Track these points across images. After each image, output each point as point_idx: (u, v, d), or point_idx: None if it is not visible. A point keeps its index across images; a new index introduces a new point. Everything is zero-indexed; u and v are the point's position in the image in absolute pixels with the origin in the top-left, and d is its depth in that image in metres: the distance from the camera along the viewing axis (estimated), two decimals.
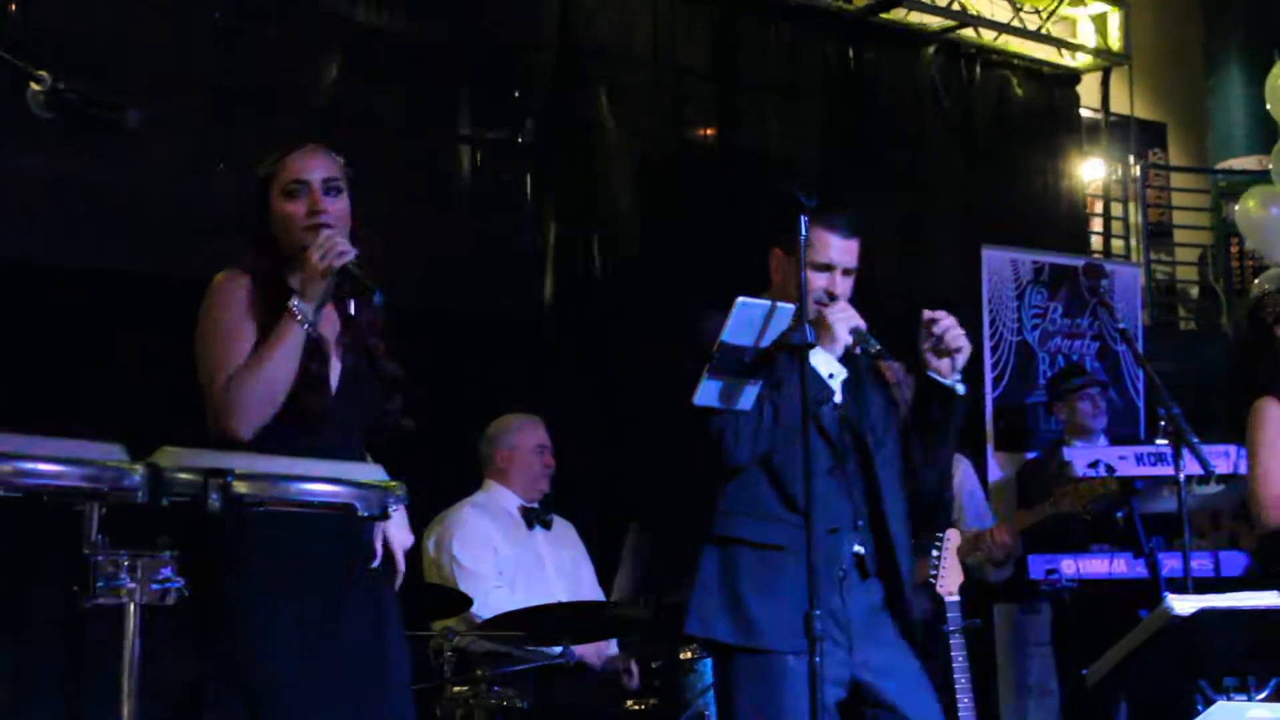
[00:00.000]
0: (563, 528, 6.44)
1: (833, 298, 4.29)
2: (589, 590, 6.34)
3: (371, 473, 2.72)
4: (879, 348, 4.21)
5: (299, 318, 3.59)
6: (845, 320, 4.22)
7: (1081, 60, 11.38)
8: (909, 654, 4.34)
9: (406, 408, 3.88)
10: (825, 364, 4.22)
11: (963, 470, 7.33)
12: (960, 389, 4.33)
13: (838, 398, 4.33)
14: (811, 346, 3.97)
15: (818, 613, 3.80)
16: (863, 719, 4.24)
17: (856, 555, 4.31)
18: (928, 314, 4.31)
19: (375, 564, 3.78)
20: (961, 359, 4.30)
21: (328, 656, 3.56)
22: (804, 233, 4.04)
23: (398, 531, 3.85)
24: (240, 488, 2.54)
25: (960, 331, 4.29)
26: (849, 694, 4.22)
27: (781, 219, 4.20)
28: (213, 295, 3.72)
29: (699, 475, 4.32)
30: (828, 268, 4.30)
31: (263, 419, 3.57)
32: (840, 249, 4.32)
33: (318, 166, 3.76)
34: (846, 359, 4.30)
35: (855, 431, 4.37)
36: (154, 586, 2.52)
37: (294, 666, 3.53)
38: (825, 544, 4.11)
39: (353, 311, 3.84)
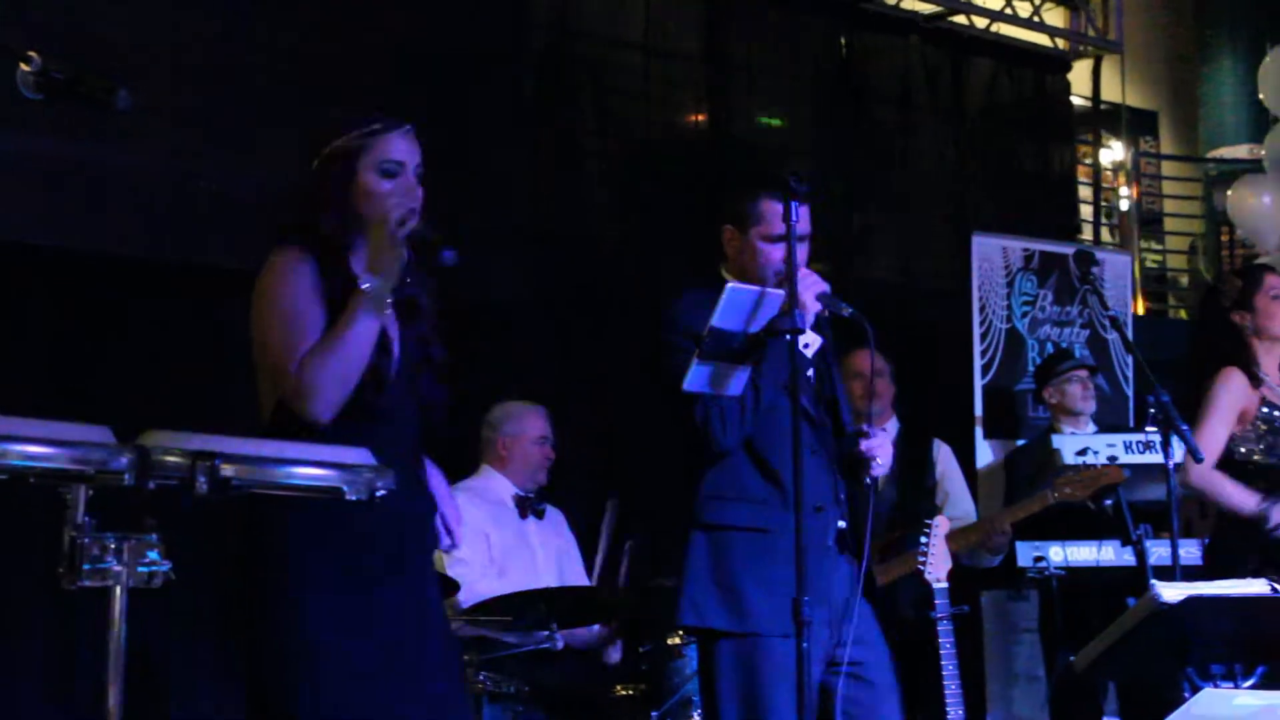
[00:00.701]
0: (555, 517, 6.43)
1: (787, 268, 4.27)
2: (576, 579, 6.33)
3: (359, 455, 2.71)
4: (850, 310, 4.21)
5: (373, 297, 3.50)
6: (811, 288, 4.21)
7: (1073, 48, 11.38)
8: (868, 610, 4.34)
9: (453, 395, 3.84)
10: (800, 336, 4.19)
11: (944, 457, 7.33)
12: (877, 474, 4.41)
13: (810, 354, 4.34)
14: (801, 331, 3.98)
15: (807, 599, 3.80)
16: (832, 690, 4.23)
17: (839, 531, 4.32)
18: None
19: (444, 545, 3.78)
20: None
21: (381, 648, 3.53)
22: (795, 217, 4.04)
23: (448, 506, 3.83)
24: (228, 470, 2.53)
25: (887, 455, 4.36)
26: (825, 668, 4.23)
27: (730, 195, 4.21)
28: (273, 275, 3.60)
29: (683, 461, 4.31)
30: (782, 238, 4.21)
31: (341, 400, 3.48)
32: (796, 216, 4.26)
33: (416, 152, 3.72)
34: (817, 326, 4.31)
35: (830, 400, 4.40)
36: (141, 569, 2.51)
37: (346, 659, 3.48)
38: (813, 522, 4.13)
39: (408, 290, 3.75)
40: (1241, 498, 5.75)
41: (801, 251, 4.25)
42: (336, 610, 3.47)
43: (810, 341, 4.27)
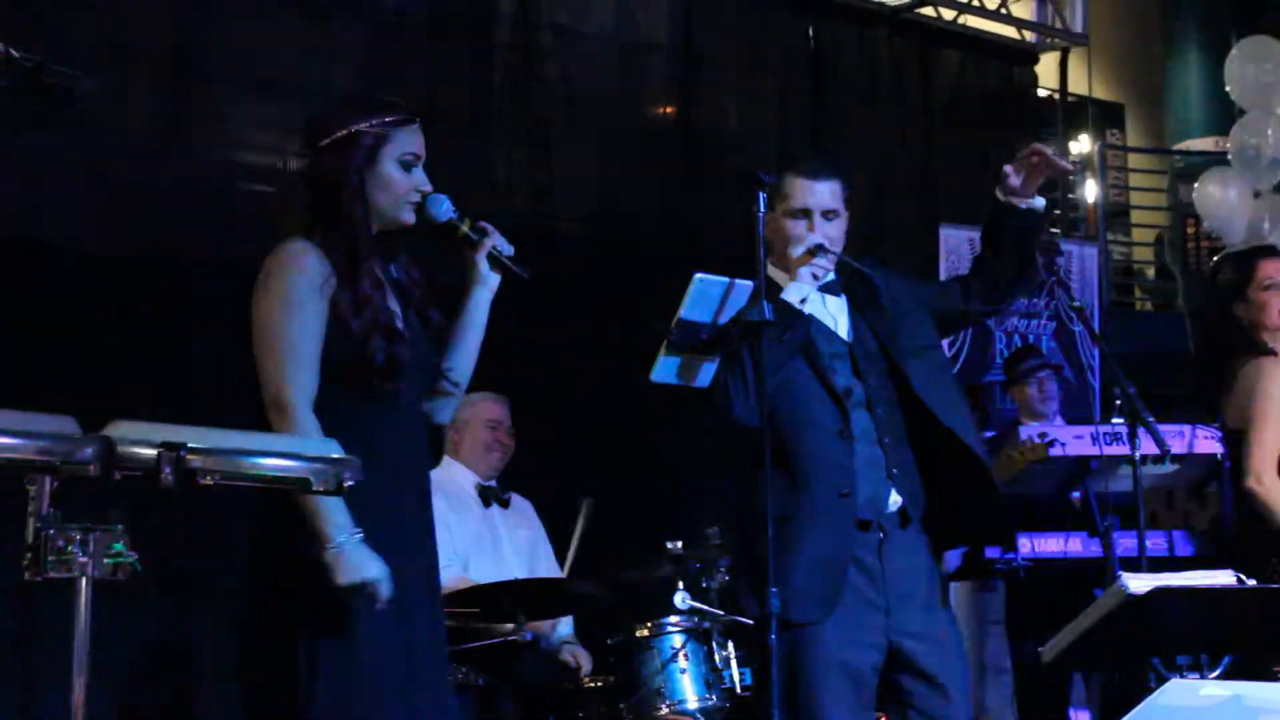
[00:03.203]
0: (521, 506, 6.42)
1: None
2: (546, 569, 6.32)
3: (325, 446, 2.70)
4: (837, 255, 4.24)
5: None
6: (802, 242, 4.24)
7: (1040, 40, 11.41)
8: (949, 619, 4.33)
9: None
10: (795, 292, 4.19)
11: None
12: (1040, 203, 4.44)
13: (845, 331, 4.32)
14: (768, 324, 3.97)
15: (783, 587, 3.80)
16: (896, 685, 4.20)
17: (898, 509, 4.25)
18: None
19: None
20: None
21: (405, 656, 3.57)
22: (763, 209, 4.05)
23: None
24: (194, 461, 2.51)
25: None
26: (885, 658, 4.17)
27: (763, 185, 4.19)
28: (280, 274, 3.59)
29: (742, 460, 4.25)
30: (804, 213, 4.28)
31: None
32: (812, 191, 4.30)
33: (424, 146, 3.77)
34: (850, 287, 4.33)
35: (887, 360, 4.33)
36: (107, 560, 2.49)
37: (382, 667, 3.51)
38: (835, 508, 4.13)
39: (394, 273, 3.79)
40: None
41: (827, 226, 4.30)
42: (362, 612, 3.48)
43: (809, 297, 4.22)
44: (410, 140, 3.73)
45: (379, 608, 3.44)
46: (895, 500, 4.23)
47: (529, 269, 3.89)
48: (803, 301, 4.20)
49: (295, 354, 3.52)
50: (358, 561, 3.41)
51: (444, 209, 3.79)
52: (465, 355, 3.90)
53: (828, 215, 4.31)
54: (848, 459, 4.20)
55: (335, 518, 3.39)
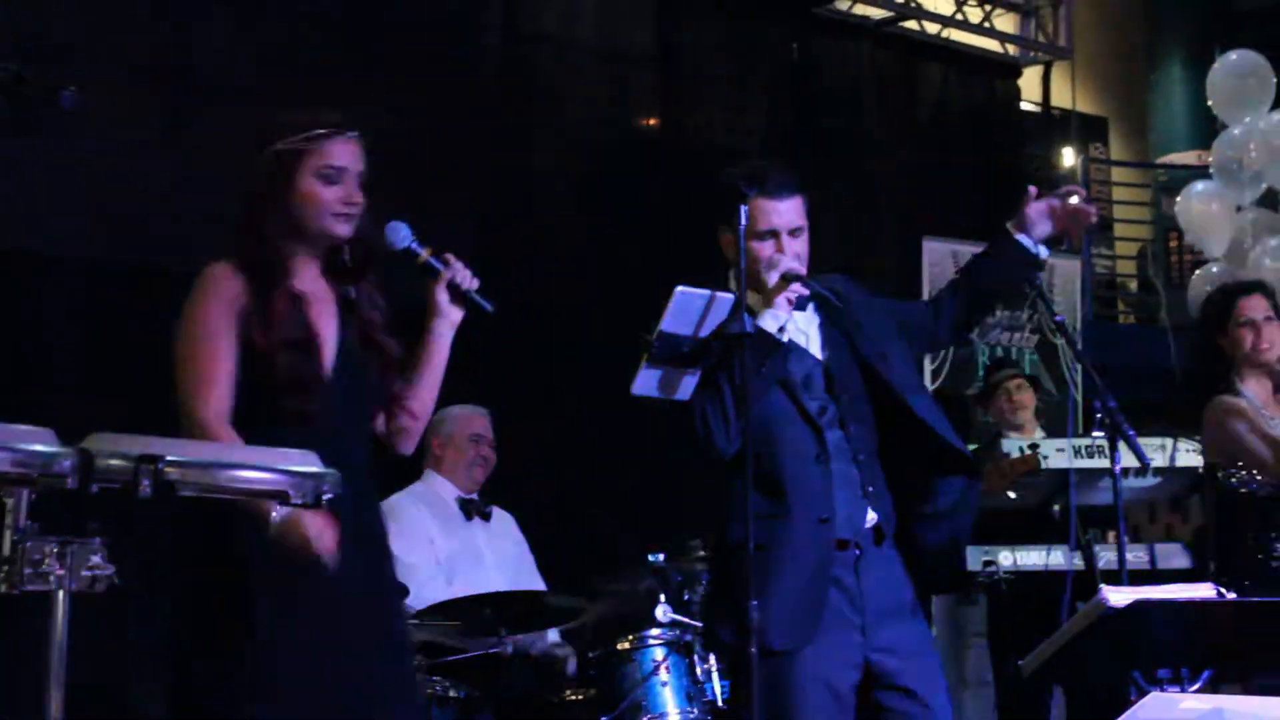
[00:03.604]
0: (502, 519, 6.41)
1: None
2: (528, 583, 6.31)
3: (304, 459, 2.69)
4: (801, 277, 4.20)
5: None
6: (775, 268, 4.19)
7: (1024, 54, 11.44)
8: (925, 633, 4.31)
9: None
10: (772, 320, 4.14)
11: None
12: (1044, 253, 4.48)
13: (818, 351, 4.30)
14: (749, 336, 3.96)
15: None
16: (876, 703, 4.16)
17: (873, 526, 4.22)
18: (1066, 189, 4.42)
19: None
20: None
21: (332, 648, 3.55)
22: (744, 221, 4.04)
23: None
24: (172, 474, 2.51)
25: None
26: (863, 676, 4.15)
27: (718, 201, 4.17)
28: (196, 296, 3.64)
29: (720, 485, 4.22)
30: (771, 234, 4.23)
31: None
32: (778, 211, 4.25)
33: (358, 159, 3.73)
34: (824, 308, 4.29)
35: (859, 369, 4.31)
36: (85, 573, 2.49)
37: (300, 663, 3.50)
38: (815, 535, 4.12)
39: (354, 294, 3.79)
40: None
41: (795, 244, 4.26)
42: (289, 613, 3.49)
43: (785, 324, 4.17)
44: (333, 152, 3.69)
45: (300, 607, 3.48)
46: (871, 517, 4.22)
47: (493, 303, 3.87)
48: (780, 330, 4.16)
49: (206, 373, 3.55)
50: (300, 520, 3.36)
51: (401, 236, 3.79)
52: (425, 388, 3.89)
53: (794, 233, 4.27)
54: (825, 483, 4.18)
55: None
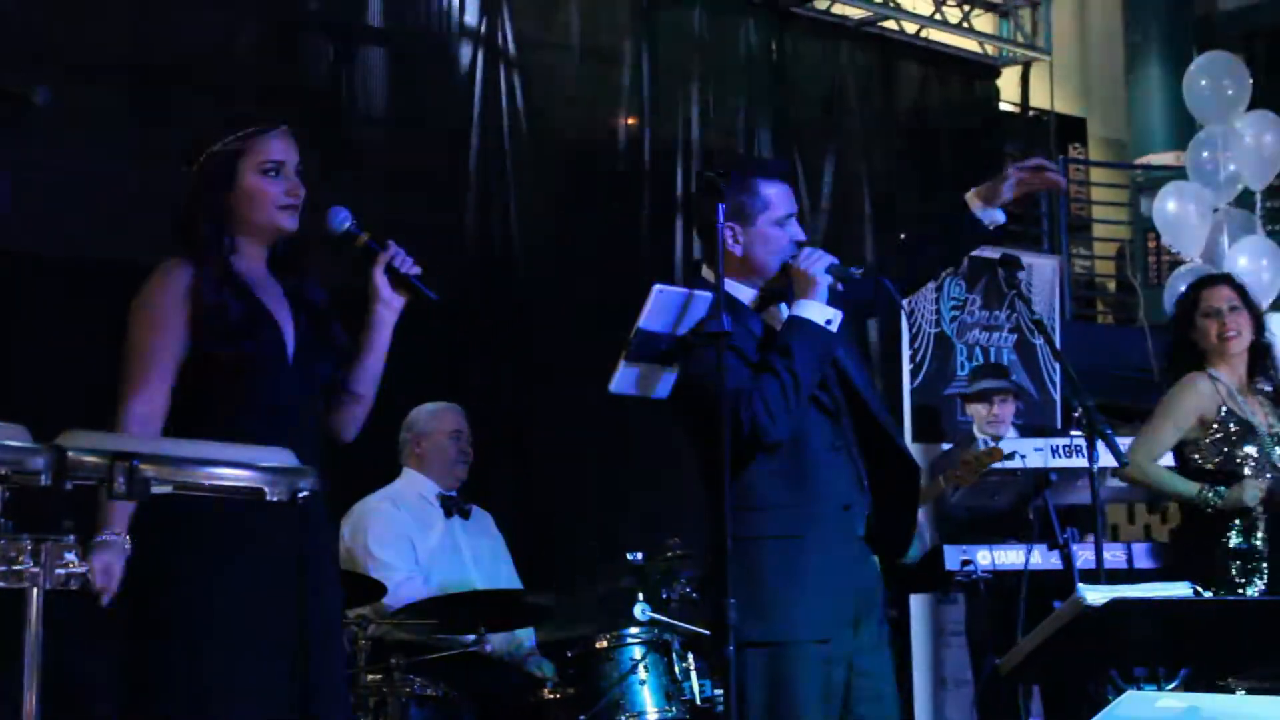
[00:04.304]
0: (481, 517, 6.41)
1: (800, 247, 4.24)
2: (506, 580, 6.31)
3: (281, 456, 2.68)
4: (859, 271, 4.22)
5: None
6: (819, 262, 4.16)
7: (1002, 54, 11.46)
8: (885, 628, 4.31)
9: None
10: (819, 313, 4.14)
11: None
12: (1002, 217, 4.43)
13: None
14: (728, 335, 3.93)
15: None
16: (847, 688, 4.16)
17: (866, 521, 4.24)
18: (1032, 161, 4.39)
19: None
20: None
21: (270, 647, 3.57)
22: (721, 219, 4.03)
23: None
24: (147, 471, 2.50)
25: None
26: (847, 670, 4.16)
27: (713, 196, 4.13)
28: (146, 289, 3.72)
29: (705, 474, 4.14)
30: (789, 218, 4.24)
31: None
32: (791, 195, 4.27)
33: (294, 151, 3.80)
34: (833, 300, 4.23)
35: (845, 377, 4.29)
36: (59, 571, 2.48)
37: (234, 661, 3.53)
38: (841, 522, 4.14)
39: (296, 284, 3.84)
40: (1182, 484, 5.83)
41: (797, 229, 4.27)
42: (225, 611, 3.54)
43: (831, 318, 4.16)
44: (270, 147, 3.76)
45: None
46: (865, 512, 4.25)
47: (437, 292, 3.86)
48: (828, 322, 4.15)
49: (137, 374, 3.63)
50: (106, 561, 3.43)
51: (339, 219, 3.84)
52: (367, 375, 3.90)
53: (799, 218, 4.30)
54: (843, 473, 4.20)
55: (120, 512, 3.47)
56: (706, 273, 4.21)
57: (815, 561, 4.05)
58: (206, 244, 3.70)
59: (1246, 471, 5.75)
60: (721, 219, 4.03)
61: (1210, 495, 5.74)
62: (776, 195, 4.24)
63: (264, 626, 3.57)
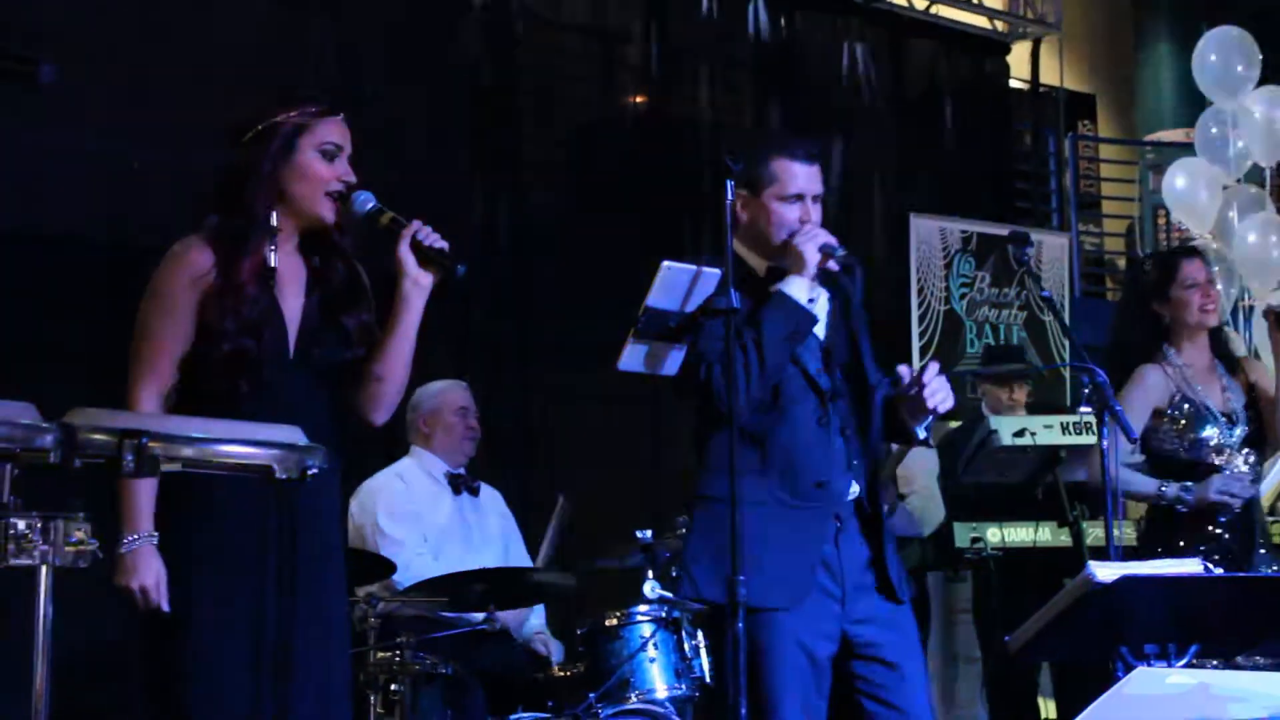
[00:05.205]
0: (490, 495, 6.41)
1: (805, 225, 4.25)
2: (517, 558, 6.31)
3: (289, 434, 2.68)
4: (844, 253, 4.20)
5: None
6: (812, 240, 4.17)
7: (1012, 31, 11.43)
8: (905, 608, 4.28)
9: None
10: (802, 290, 4.15)
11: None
12: (922, 435, 4.38)
13: (822, 326, 4.28)
14: (735, 312, 3.95)
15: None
16: (851, 673, 4.18)
17: (854, 499, 4.24)
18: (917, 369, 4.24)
19: None
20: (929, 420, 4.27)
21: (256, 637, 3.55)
22: (730, 196, 4.04)
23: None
24: (155, 448, 2.50)
25: (948, 393, 4.22)
26: (840, 647, 4.16)
27: (738, 161, 4.14)
28: (161, 270, 3.71)
29: (695, 433, 4.24)
30: (798, 197, 4.23)
31: None
32: (807, 176, 4.26)
33: (348, 138, 3.79)
34: (828, 282, 4.25)
35: (847, 362, 4.31)
36: (68, 549, 2.48)
37: (222, 650, 3.53)
38: (813, 496, 4.14)
39: (318, 263, 3.81)
40: (1141, 482, 5.65)
41: (816, 211, 4.27)
42: (216, 594, 3.55)
43: (815, 296, 4.19)
44: (331, 130, 3.75)
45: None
46: (854, 490, 4.24)
47: (464, 264, 3.79)
48: (811, 301, 4.18)
49: (148, 354, 3.64)
50: (136, 564, 3.46)
51: (361, 200, 3.77)
52: (395, 355, 3.80)
53: (816, 199, 4.29)
54: (822, 451, 4.20)
55: (143, 509, 3.47)
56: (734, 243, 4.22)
57: (777, 530, 4.06)
58: (251, 215, 3.67)
59: (1213, 458, 5.64)
60: (730, 192, 4.04)
61: (1177, 493, 5.58)
62: (787, 172, 4.25)
63: (250, 622, 3.56)
